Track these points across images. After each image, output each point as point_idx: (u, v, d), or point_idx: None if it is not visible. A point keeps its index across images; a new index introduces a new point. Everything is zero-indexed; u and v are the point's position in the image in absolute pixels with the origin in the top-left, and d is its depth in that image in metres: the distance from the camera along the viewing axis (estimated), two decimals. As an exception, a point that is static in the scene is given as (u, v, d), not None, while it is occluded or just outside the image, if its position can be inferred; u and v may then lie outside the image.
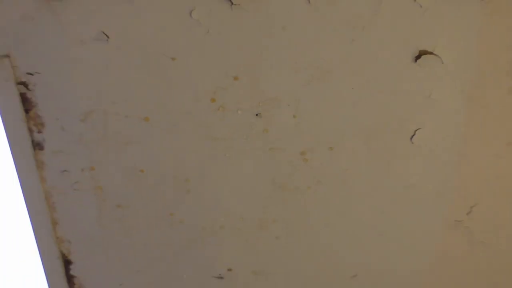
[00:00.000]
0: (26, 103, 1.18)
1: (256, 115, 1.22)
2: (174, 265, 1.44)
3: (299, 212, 1.37)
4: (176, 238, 1.39)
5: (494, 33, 1.15)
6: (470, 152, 1.30)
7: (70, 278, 1.44)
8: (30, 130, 1.21)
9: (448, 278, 1.54)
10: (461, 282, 1.55)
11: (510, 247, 1.49)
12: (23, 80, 1.15)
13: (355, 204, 1.37)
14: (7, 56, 1.12)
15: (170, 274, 1.46)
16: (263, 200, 1.34)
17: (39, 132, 1.22)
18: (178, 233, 1.38)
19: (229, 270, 1.45)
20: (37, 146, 1.23)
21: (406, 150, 1.29)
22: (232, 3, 1.09)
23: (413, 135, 1.27)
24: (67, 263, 1.41)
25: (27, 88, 1.16)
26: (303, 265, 1.47)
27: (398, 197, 1.36)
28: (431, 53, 1.17)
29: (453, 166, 1.32)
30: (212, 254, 1.43)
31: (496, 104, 1.24)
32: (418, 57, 1.17)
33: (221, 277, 1.47)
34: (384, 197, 1.36)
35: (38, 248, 1.39)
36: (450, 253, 1.48)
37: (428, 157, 1.30)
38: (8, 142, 1.23)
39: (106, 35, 1.11)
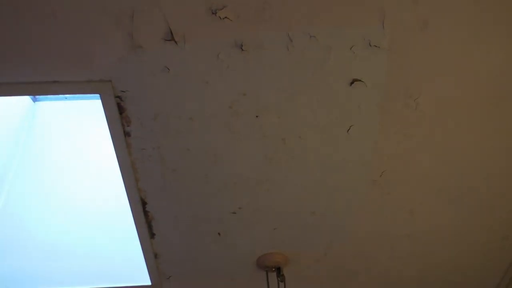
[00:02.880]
0: (120, 109, 1.20)
1: (256, 116, 1.26)
2: (206, 205, 1.47)
3: (280, 174, 1.41)
4: (208, 189, 1.42)
5: (395, 70, 1.19)
6: (381, 139, 1.34)
7: (146, 213, 1.48)
8: (123, 125, 1.23)
9: (364, 216, 1.57)
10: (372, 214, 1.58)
11: (403, 196, 1.52)
12: (118, 95, 1.17)
13: (311, 168, 1.40)
14: (110, 80, 1.16)
15: (203, 211, 1.50)
16: (259, 167, 1.38)
17: (128, 126, 1.24)
18: (209, 186, 1.41)
19: (239, 208, 1.50)
20: (127, 134, 1.25)
21: (345, 139, 1.32)
22: (242, 49, 1.12)
23: (349, 129, 1.30)
24: (144, 203, 1.45)
25: (121, 100, 1.18)
26: (283, 203, 1.50)
27: (338, 165, 1.40)
28: (359, 80, 1.21)
29: (370, 147, 1.36)
30: (229, 198, 1.45)
31: (397, 110, 1.28)
32: (352, 83, 1.21)
33: (234, 213, 1.51)
34: (330, 168, 1.39)
35: (127, 195, 1.41)
36: (368, 200, 1.52)
37: (357, 143, 1.33)
38: (110, 132, 1.27)
39: (168, 68, 1.15)
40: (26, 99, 2.13)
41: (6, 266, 1.74)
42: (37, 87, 1.15)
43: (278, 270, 1.65)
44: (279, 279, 1.63)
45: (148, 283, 1.72)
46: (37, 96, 2.20)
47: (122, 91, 1.17)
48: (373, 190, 1.47)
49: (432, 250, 1.75)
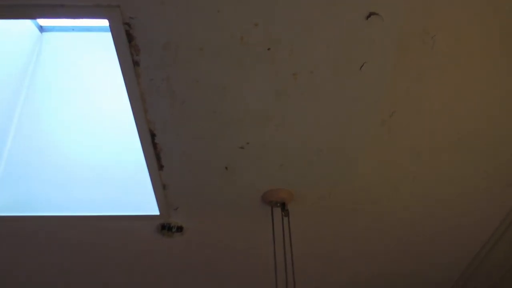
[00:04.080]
0: (129, 37, 1.17)
1: (268, 49, 1.21)
2: (214, 139, 1.48)
3: (289, 110, 1.40)
4: (216, 123, 1.42)
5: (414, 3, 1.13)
6: (394, 78, 1.31)
7: (154, 145, 1.49)
8: (131, 54, 1.21)
9: (371, 156, 1.58)
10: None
11: (411, 138, 1.52)
12: (127, 21, 1.13)
13: (321, 105, 1.39)
14: (118, 6, 1.12)
15: (211, 145, 1.51)
16: (269, 102, 1.36)
17: (137, 55, 1.21)
18: (217, 120, 1.40)
19: (247, 143, 1.50)
20: (136, 63, 1.23)
21: (357, 76, 1.29)
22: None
23: (362, 66, 1.27)
24: (152, 135, 1.46)
25: (129, 27, 1.14)
26: (291, 140, 1.51)
27: (348, 103, 1.38)
28: (376, 14, 1.16)
29: (382, 86, 1.33)
30: (237, 133, 1.45)
31: (412, 48, 1.24)
32: (368, 16, 1.16)
33: (242, 148, 1.52)
34: (340, 106, 1.38)
35: (136, 126, 1.41)
36: (375, 140, 1.52)
37: (369, 81, 1.31)
38: (119, 61, 1.25)
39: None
40: (33, 30, 2.08)
41: (16, 191, 1.80)
42: (42, 9, 1.12)
43: (283, 205, 1.69)
44: (283, 213, 1.67)
45: (157, 213, 1.78)
46: (43, 26, 2.15)
47: (131, 18, 1.13)
48: (381, 130, 1.46)
49: (435, 193, 1.78)
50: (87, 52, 2.08)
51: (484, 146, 1.55)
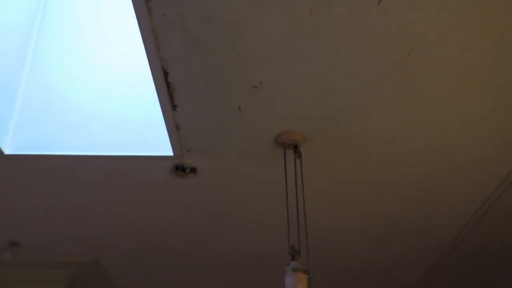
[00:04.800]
0: None
1: None
2: (228, 78, 1.46)
3: (304, 48, 1.37)
4: (230, 61, 1.39)
5: None
6: (413, 13, 1.27)
7: (168, 84, 1.49)
8: None
9: (385, 98, 1.56)
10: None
11: (427, 80, 1.49)
12: None
13: (337, 42, 1.36)
14: None
15: (224, 84, 1.49)
16: (284, 39, 1.32)
17: None
18: (231, 58, 1.38)
19: (261, 83, 1.49)
20: None
21: (375, 12, 1.24)
22: None
23: (380, 0, 1.22)
24: (165, 74, 1.45)
25: None
26: (306, 79, 1.49)
27: (365, 40, 1.34)
28: None
29: (401, 22, 1.29)
30: (251, 72, 1.44)
31: None
32: None
33: (256, 87, 1.51)
34: (357, 43, 1.34)
35: (149, 64, 1.41)
36: (391, 81, 1.49)
37: (387, 16, 1.26)
38: None
39: None
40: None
41: (34, 131, 1.84)
42: None
43: (295, 147, 1.71)
44: (295, 155, 1.69)
45: (170, 153, 1.81)
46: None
47: None
48: (397, 70, 1.43)
49: (448, 141, 1.77)
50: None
51: (506, 94, 1.51)
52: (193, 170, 1.90)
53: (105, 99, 1.86)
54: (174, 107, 1.58)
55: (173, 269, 2.82)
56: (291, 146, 1.71)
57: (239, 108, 1.58)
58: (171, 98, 1.54)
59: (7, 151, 1.81)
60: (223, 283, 3.00)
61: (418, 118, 1.64)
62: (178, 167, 1.88)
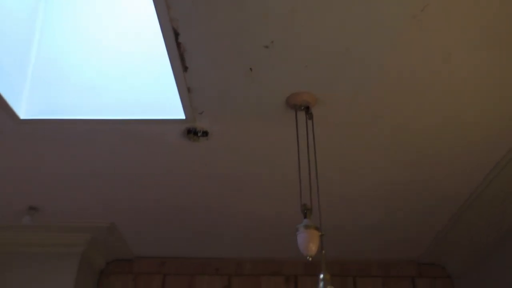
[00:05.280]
0: None
1: None
2: (239, 37, 1.45)
3: (317, 4, 1.35)
4: (240, 19, 1.38)
5: None
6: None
7: (178, 44, 1.48)
8: None
9: (399, 57, 1.53)
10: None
11: (442, 37, 1.46)
12: None
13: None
14: None
15: (235, 44, 1.48)
16: None
17: None
18: (241, 16, 1.36)
19: (272, 42, 1.47)
20: None
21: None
22: None
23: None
24: (176, 34, 1.44)
25: None
26: (318, 38, 1.47)
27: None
28: None
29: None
30: (261, 30, 1.42)
31: None
32: None
33: (267, 47, 1.50)
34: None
35: (160, 25, 1.40)
36: (405, 38, 1.46)
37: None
38: None
39: None
40: None
41: (46, 95, 1.87)
42: None
43: (307, 109, 1.71)
44: (307, 116, 1.69)
45: (182, 117, 1.83)
46: None
47: None
48: (411, 26, 1.40)
49: (460, 102, 1.75)
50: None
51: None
52: (205, 133, 1.92)
53: (117, 63, 1.86)
54: (185, 68, 1.58)
55: (186, 232, 2.89)
56: (302, 108, 1.71)
57: (250, 69, 1.58)
58: (182, 59, 1.54)
59: (22, 116, 1.84)
60: (236, 245, 3.07)
61: (431, 78, 1.62)
62: (190, 130, 1.90)
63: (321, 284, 1.33)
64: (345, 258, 3.23)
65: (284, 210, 2.55)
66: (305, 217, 1.45)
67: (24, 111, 1.84)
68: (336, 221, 2.65)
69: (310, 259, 1.41)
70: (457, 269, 3.05)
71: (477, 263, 2.78)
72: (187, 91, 1.68)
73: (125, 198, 2.48)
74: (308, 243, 1.38)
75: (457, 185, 2.31)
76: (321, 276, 1.35)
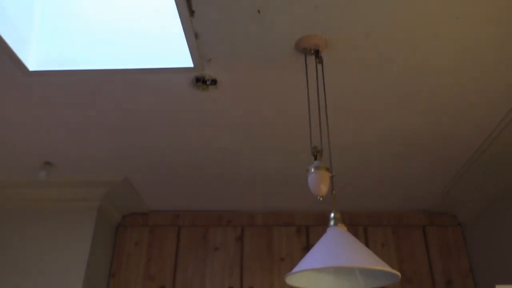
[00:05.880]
0: None
1: None
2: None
3: None
4: None
5: None
6: None
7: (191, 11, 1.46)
8: None
9: None
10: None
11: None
12: None
13: None
14: None
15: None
16: None
17: None
18: None
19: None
20: None
21: None
22: None
23: None
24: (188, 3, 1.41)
25: None
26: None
27: None
28: None
29: None
30: None
31: None
32: None
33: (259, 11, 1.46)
34: None
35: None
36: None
37: None
38: None
39: None
40: None
41: (54, 47, 1.86)
42: None
43: (317, 52, 1.68)
44: (317, 60, 1.67)
45: (190, 65, 1.82)
46: None
47: None
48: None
49: (474, 45, 1.70)
50: None
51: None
52: (214, 81, 1.91)
53: (124, 11, 1.84)
54: (191, 12, 1.55)
55: (199, 185, 2.95)
56: (312, 52, 1.68)
57: (258, 11, 1.54)
58: (189, 3, 1.51)
59: (31, 67, 1.85)
60: (248, 198, 3.13)
61: (447, 10, 1.56)
62: (198, 79, 1.90)
63: (331, 222, 1.36)
64: (356, 209, 3.29)
65: (295, 159, 2.58)
66: (315, 159, 1.47)
67: (33, 62, 1.85)
68: (346, 170, 2.67)
69: (321, 199, 1.43)
70: (468, 218, 3.09)
71: (488, 211, 2.80)
72: (194, 37, 1.66)
73: (137, 152, 2.52)
74: (319, 183, 1.40)
75: (470, 131, 2.29)
76: (332, 215, 1.37)
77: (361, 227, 3.24)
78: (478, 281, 2.97)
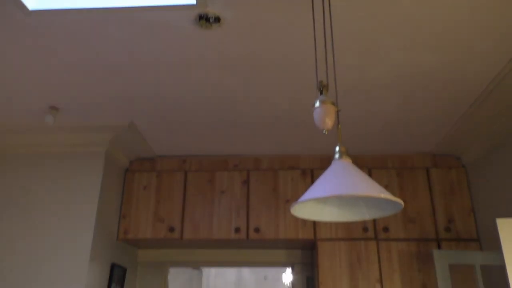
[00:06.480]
0: None
1: None
2: None
3: None
4: None
5: None
6: None
7: None
8: None
9: None
10: None
11: None
12: None
13: None
14: None
15: None
16: None
17: None
18: None
19: None
20: None
21: None
22: None
23: None
24: None
25: None
26: None
27: None
28: None
29: None
30: None
31: None
32: None
33: None
34: None
35: None
36: None
37: None
38: None
39: None
40: None
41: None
42: None
43: (323, -16, 1.63)
44: (323, -7, 1.62)
45: (193, 2, 1.77)
46: None
47: None
48: None
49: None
50: None
51: None
52: (217, 19, 1.87)
53: None
54: None
55: (203, 129, 2.97)
56: (318, -16, 1.63)
57: None
58: None
59: (31, 6, 1.81)
60: (253, 142, 3.16)
61: None
62: (201, 16, 1.86)
63: (336, 155, 1.37)
64: (361, 152, 3.32)
65: (300, 101, 2.57)
66: (321, 93, 1.46)
67: (32, 1, 1.81)
68: (352, 111, 2.66)
69: (326, 133, 1.44)
70: (472, 159, 3.12)
71: (492, 153, 2.82)
72: (196, -30, 1.61)
73: (142, 95, 2.52)
74: (325, 117, 1.40)
75: (479, 69, 2.25)
76: (337, 148, 1.38)
77: (365, 168, 3.29)
78: (479, 219, 3.05)
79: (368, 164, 3.33)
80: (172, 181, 3.35)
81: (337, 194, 1.20)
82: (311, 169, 3.35)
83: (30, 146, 3.03)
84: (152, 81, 2.39)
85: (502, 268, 2.65)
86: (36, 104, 2.63)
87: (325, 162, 3.36)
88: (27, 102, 2.61)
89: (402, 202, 1.25)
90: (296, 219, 3.18)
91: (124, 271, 3.29)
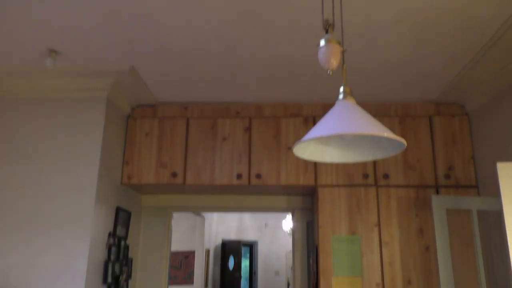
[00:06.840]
0: None
1: None
2: None
3: None
4: None
5: None
6: None
7: None
8: None
9: None
10: None
11: None
12: None
13: None
14: None
15: None
16: None
17: None
18: None
19: None
20: None
21: None
22: None
23: None
24: None
25: None
26: None
27: None
28: None
29: None
30: None
31: None
32: None
33: None
34: None
35: None
36: None
37: None
38: None
39: None
40: None
41: None
42: None
43: None
44: None
45: None
46: None
47: None
48: None
49: None
50: None
51: None
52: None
53: None
54: None
55: (205, 75, 2.93)
56: None
57: None
58: None
59: None
60: (255, 89, 3.13)
61: None
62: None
63: (341, 96, 1.36)
64: (364, 99, 3.30)
65: (303, 44, 2.51)
66: (326, 32, 1.42)
67: None
68: (356, 55, 2.61)
69: (331, 73, 1.42)
70: (476, 107, 3.10)
71: (496, 101, 2.80)
72: None
73: (142, 37, 2.46)
74: (330, 57, 1.38)
75: (489, 13, 2.18)
76: (342, 88, 1.37)
77: (368, 117, 3.27)
78: (479, 166, 3.08)
79: (371, 112, 3.32)
80: (174, 127, 3.36)
81: (340, 133, 1.20)
82: (314, 116, 3.35)
83: (29, 91, 3.01)
84: (153, 24, 2.32)
85: (498, 214, 2.72)
86: (35, 46, 2.58)
87: (328, 109, 3.34)
88: (26, 45, 2.56)
89: (404, 142, 1.26)
90: (297, 166, 3.22)
91: (129, 215, 3.39)
